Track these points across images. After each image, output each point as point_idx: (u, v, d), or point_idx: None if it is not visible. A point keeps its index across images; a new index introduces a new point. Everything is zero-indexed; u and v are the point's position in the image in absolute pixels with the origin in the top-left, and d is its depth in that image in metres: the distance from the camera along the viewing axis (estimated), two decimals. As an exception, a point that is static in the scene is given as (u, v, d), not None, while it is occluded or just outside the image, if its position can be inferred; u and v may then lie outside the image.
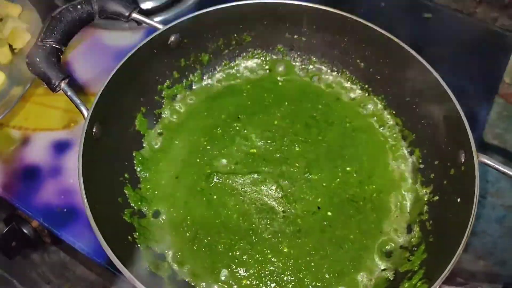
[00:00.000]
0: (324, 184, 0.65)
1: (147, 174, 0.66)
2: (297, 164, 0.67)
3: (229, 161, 0.67)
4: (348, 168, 0.67)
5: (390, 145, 0.70)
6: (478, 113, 0.87)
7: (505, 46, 0.97)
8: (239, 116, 0.72)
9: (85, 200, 0.51)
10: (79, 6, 0.60)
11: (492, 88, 0.93)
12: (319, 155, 0.68)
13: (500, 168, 0.54)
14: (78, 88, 0.85)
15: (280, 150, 0.68)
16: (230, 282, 0.59)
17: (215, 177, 0.66)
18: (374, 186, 0.66)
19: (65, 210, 0.72)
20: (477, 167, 0.54)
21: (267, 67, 0.77)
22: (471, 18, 1.02)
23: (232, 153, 0.68)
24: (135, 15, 0.64)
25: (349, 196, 0.65)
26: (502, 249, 1.24)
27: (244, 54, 0.76)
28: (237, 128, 0.70)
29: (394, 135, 0.71)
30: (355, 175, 0.67)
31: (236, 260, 0.60)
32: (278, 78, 0.77)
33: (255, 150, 0.69)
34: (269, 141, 0.69)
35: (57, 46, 0.58)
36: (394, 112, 0.71)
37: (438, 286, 0.48)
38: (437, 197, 0.62)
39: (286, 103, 0.73)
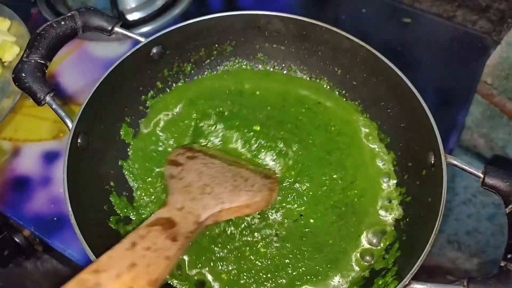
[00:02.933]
0: (310, 193, 0.66)
1: (135, 183, 0.68)
2: (287, 174, 0.67)
3: None
4: (334, 176, 0.68)
5: (370, 149, 0.72)
6: (458, 114, 0.89)
7: (484, 48, 1.00)
8: (222, 120, 0.72)
9: (70, 209, 0.54)
10: (62, 22, 0.63)
11: (471, 89, 0.96)
12: (311, 161, 0.68)
13: (467, 168, 0.56)
14: (66, 99, 0.87)
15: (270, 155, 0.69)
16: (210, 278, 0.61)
17: None
18: (355, 191, 0.67)
19: (55, 218, 0.74)
20: (445, 168, 0.56)
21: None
22: (451, 22, 1.05)
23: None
24: (117, 29, 0.66)
25: (333, 203, 0.66)
26: (494, 246, 1.27)
27: (225, 63, 0.79)
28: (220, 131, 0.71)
29: (373, 139, 0.72)
30: (340, 181, 0.68)
31: (216, 255, 0.62)
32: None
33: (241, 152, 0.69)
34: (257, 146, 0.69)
35: (42, 61, 0.60)
36: (369, 116, 0.73)
37: (407, 282, 0.51)
38: (410, 198, 0.65)
39: (269, 107, 0.75)
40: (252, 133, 0.69)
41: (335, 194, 0.67)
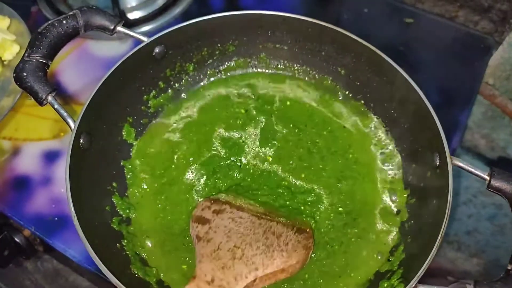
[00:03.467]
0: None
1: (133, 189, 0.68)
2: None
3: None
4: (340, 209, 0.65)
5: (387, 180, 0.68)
6: (460, 114, 0.89)
7: (486, 49, 1.00)
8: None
9: (73, 210, 0.53)
10: (64, 21, 0.62)
11: (474, 90, 0.95)
12: (320, 191, 0.66)
13: (473, 170, 0.56)
14: (67, 98, 0.86)
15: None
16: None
17: (194, 195, 0.67)
18: (356, 231, 0.64)
19: (56, 218, 0.73)
20: (450, 170, 0.56)
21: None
22: (453, 22, 1.04)
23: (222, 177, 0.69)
24: (119, 28, 0.66)
25: (327, 240, 0.63)
26: (494, 246, 1.27)
27: (228, 63, 0.78)
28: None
29: (394, 171, 0.69)
30: (344, 216, 0.65)
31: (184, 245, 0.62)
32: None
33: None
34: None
35: (44, 61, 0.59)
36: (376, 116, 0.73)
37: (414, 285, 0.50)
38: (414, 199, 0.64)
39: (291, 125, 0.73)
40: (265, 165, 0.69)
41: (334, 231, 0.64)
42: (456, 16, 1.05)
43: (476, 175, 0.55)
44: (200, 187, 0.67)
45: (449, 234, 1.30)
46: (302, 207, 0.65)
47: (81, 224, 0.53)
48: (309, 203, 0.66)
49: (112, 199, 0.64)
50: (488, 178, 0.55)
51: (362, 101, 0.74)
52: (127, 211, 0.65)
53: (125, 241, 0.61)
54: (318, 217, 0.65)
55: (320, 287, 0.60)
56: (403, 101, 0.67)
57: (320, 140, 0.71)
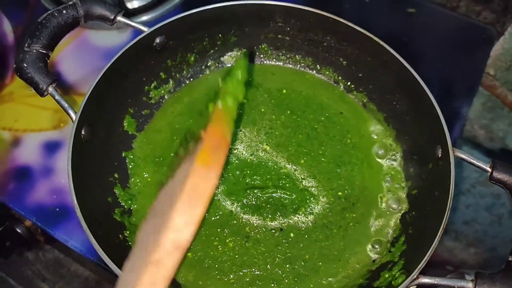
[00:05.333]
0: (311, 212, 0.65)
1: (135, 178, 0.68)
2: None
3: None
4: (339, 193, 0.67)
5: (383, 169, 0.69)
6: (462, 105, 0.89)
7: (488, 39, 0.99)
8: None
9: (76, 202, 0.53)
10: (64, 11, 0.61)
11: (475, 81, 0.95)
12: (320, 176, 0.67)
13: (475, 162, 0.56)
14: (67, 89, 0.86)
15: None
16: None
17: None
18: (354, 215, 0.65)
19: (58, 209, 0.73)
20: (452, 162, 0.56)
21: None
22: (455, 12, 1.04)
23: None
24: (120, 18, 0.65)
25: (325, 223, 0.65)
26: (492, 236, 1.28)
27: (230, 53, 0.77)
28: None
29: (394, 161, 0.69)
30: (343, 200, 0.66)
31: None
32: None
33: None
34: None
35: (44, 51, 0.59)
36: (376, 108, 0.73)
37: (415, 276, 0.51)
38: (416, 191, 0.64)
39: (289, 111, 0.73)
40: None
41: (333, 214, 0.65)
42: (458, 6, 1.04)
43: (478, 167, 0.56)
44: None
45: (447, 224, 1.31)
46: (302, 193, 0.66)
47: (84, 215, 0.53)
48: (309, 188, 0.67)
49: (114, 190, 0.64)
50: (490, 170, 0.55)
51: (364, 93, 0.74)
52: (129, 202, 0.65)
53: (128, 232, 0.61)
54: (317, 201, 0.66)
55: (320, 269, 0.61)
56: (406, 92, 0.67)
57: (318, 126, 0.72)
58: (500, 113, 1.11)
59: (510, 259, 0.49)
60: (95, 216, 0.56)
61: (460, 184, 1.24)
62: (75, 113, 0.59)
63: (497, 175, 0.54)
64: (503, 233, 1.21)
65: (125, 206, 0.64)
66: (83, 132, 0.60)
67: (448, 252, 1.36)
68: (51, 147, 0.80)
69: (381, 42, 0.66)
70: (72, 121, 0.58)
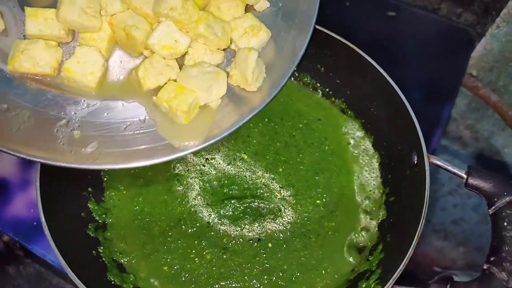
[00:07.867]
0: (289, 221, 0.65)
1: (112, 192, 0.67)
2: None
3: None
4: (318, 201, 0.66)
5: (364, 175, 0.69)
6: (444, 107, 0.89)
7: (469, 41, 0.99)
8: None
9: (43, 219, 0.52)
10: None
11: (457, 82, 0.95)
12: (298, 184, 0.67)
13: (450, 168, 0.56)
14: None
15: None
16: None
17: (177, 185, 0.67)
18: (333, 224, 0.65)
19: (35, 223, 0.72)
20: (427, 169, 0.56)
21: None
22: (435, 15, 1.04)
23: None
24: None
25: (304, 231, 0.64)
26: (478, 235, 1.28)
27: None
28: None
29: (371, 168, 0.70)
30: (322, 208, 0.66)
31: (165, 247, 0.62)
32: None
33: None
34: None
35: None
36: (354, 114, 0.73)
37: (390, 287, 0.50)
38: (393, 197, 0.64)
39: (266, 119, 0.72)
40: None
41: (311, 223, 0.65)
42: (439, 9, 1.04)
43: (454, 173, 0.55)
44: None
45: (435, 224, 1.31)
46: (280, 202, 0.66)
47: (53, 232, 0.52)
48: (287, 198, 0.66)
49: (88, 205, 0.63)
50: (465, 176, 0.55)
51: (342, 99, 0.74)
52: (104, 216, 0.64)
53: (102, 247, 0.60)
54: (296, 210, 0.66)
55: (298, 280, 0.61)
56: (383, 99, 0.66)
57: (296, 133, 0.71)
58: (484, 113, 1.11)
59: (485, 267, 0.48)
60: (66, 232, 0.55)
61: (446, 185, 1.25)
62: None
63: (472, 181, 0.54)
64: (489, 231, 1.22)
65: (100, 221, 0.63)
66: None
67: (437, 251, 1.37)
68: (28, 160, 0.78)
69: (358, 50, 0.65)
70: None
